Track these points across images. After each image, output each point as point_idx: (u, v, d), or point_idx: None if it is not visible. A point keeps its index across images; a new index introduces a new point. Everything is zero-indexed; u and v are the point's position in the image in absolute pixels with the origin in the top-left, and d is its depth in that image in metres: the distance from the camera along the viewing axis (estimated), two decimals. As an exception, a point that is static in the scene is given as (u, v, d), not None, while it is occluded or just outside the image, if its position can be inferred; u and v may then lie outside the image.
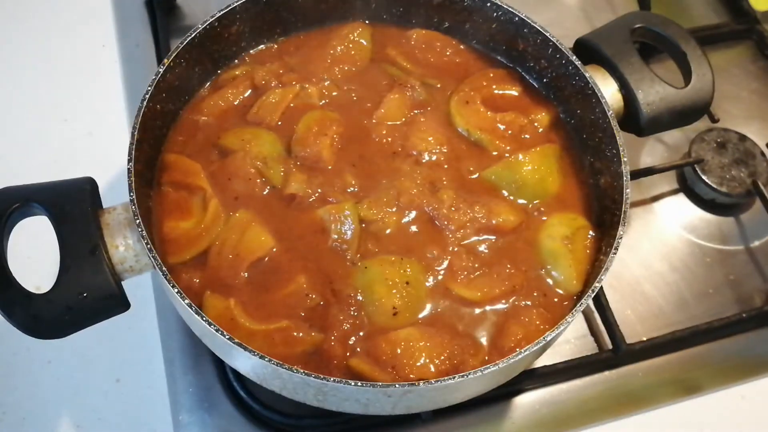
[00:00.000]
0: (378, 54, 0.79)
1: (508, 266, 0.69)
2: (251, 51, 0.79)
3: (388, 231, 0.70)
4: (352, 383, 0.54)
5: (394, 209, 0.70)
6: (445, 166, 0.74)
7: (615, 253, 0.62)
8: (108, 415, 0.67)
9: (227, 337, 0.55)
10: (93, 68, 0.86)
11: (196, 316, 0.56)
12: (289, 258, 0.67)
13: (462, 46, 0.80)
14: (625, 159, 0.67)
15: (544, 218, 0.71)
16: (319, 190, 0.70)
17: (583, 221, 0.71)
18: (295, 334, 0.62)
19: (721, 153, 0.82)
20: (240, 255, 0.66)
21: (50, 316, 0.53)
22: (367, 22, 0.79)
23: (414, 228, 0.71)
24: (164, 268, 0.58)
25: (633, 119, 0.73)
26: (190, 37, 0.69)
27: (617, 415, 0.72)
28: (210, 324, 0.56)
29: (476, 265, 0.68)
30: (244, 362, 0.59)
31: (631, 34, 0.72)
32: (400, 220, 0.70)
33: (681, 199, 0.87)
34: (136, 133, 0.63)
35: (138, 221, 0.59)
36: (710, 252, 0.82)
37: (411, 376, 0.58)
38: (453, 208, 0.70)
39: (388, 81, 0.78)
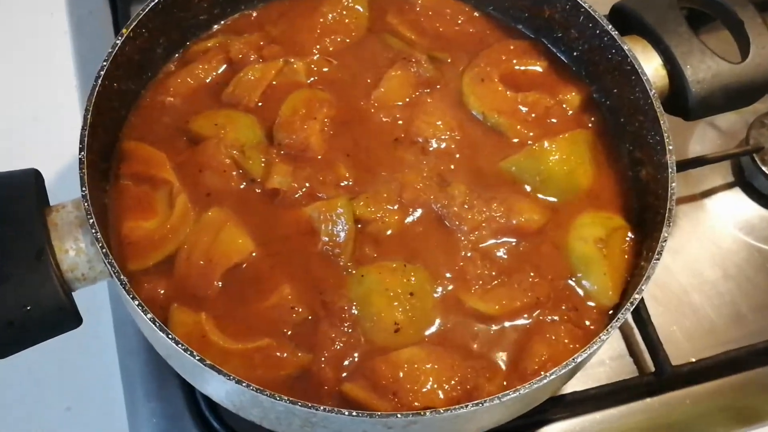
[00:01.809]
0: (377, 22, 0.79)
1: (531, 274, 0.70)
2: (226, 19, 0.80)
3: (388, 232, 0.71)
4: (346, 413, 0.54)
5: (395, 207, 0.71)
6: (457, 156, 0.75)
7: (658, 259, 0.63)
8: (57, 450, 0.66)
9: (198, 357, 0.55)
10: (39, 40, 0.85)
11: (161, 333, 0.56)
12: (272, 264, 0.68)
13: (476, 14, 0.81)
14: (671, 147, 0.68)
15: (574, 217, 0.73)
16: (307, 185, 0.71)
17: (621, 221, 0.72)
18: (278, 354, 0.63)
19: (785, 140, 0.81)
20: (213, 261, 0.67)
21: (-13, 334, 0.53)
22: (364, -16, 0.76)
23: (419, 229, 0.71)
24: (123, 277, 0.59)
25: (680, 100, 0.74)
26: (153, 2, 0.70)
27: (660, 450, 0.71)
28: (177, 343, 0.56)
29: (493, 273, 0.69)
30: (218, 387, 0.59)
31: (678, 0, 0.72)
32: (402, 220, 0.71)
33: (737, 194, 0.88)
34: (89, 116, 0.63)
35: (92, 221, 0.59)
36: (771, 256, 0.82)
37: (416, 404, 0.59)
38: (466, 206, 0.71)
39: (389, 55, 0.78)
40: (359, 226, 0.70)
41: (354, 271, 0.68)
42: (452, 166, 0.74)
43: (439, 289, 0.69)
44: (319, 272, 0.68)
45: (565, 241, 0.71)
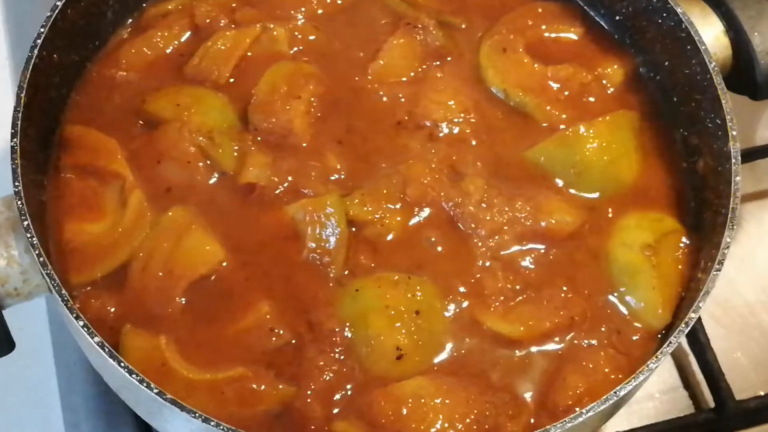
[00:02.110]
0: (375, -20, 0.77)
1: (564, 289, 0.70)
2: (190, -25, 0.76)
3: (389, 237, 0.71)
4: (338, 458, 0.55)
5: (397, 206, 0.72)
6: (473, 143, 0.75)
7: (719, 270, 0.63)
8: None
9: (156, 390, 0.55)
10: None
11: (111, 360, 0.56)
12: (246, 276, 0.68)
13: (497, -31, 0.79)
14: (734, 132, 0.68)
15: (617, 219, 0.73)
16: (290, 178, 0.72)
17: (673, 223, 0.73)
18: (254, 386, 0.63)
19: None
20: (174, 272, 0.67)
21: None
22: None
23: (427, 233, 0.72)
24: (64, 291, 0.58)
25: (746, 75, 0.74)
26: (101, -45, 0.72)
27: (721, 503, 0.74)
28: (131, 372, 0.56)
29: (517, 288, 0.70)
30: (181, 427, 0.59)
31: (744, -49, 0.73)
32: (406, 222, 0.72)
33: (814, 191, 0.88)
34: (23, 95, 0.63)
35: (26, 223, 0.59)
36: None
37: (422, 448, 0.58)
38: (484, 204, 0.72)
39: (390, 20, 0.79)
40: (353, 229, 0.71)
41: (347, 285, 0.69)
42: (467, 156, 0.75)
43: (452, 307, 0.69)
44: (305, 286, 0.69)
45: (606, 248, 0.72)
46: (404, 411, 0.61)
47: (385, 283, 0.69)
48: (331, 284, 0.70)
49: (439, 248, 0.72)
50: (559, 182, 0.76)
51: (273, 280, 0.70)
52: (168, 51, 0.77)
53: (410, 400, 0.62)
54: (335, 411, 0.63)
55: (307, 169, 0.75)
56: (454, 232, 0.73)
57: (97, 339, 0.57)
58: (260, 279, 0.69)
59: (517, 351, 0.68)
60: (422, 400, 0.61)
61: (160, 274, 0.67)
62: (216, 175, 0.76)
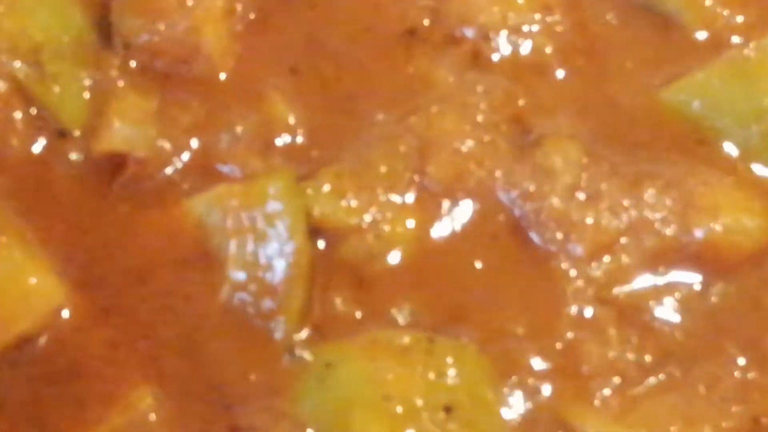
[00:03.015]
0: None
1: (739, 361, 0.73)
2: None
3: (391, 259, 0.74)
4: None
5: (408, 197, 0.74)
6: (559, 73, 0.78)
7: None
8: None
9: None
10: None
11: None
12: (109, 337, 0.72)
13: None
14: None
15: None
16: (194, 144, 0.74)
17: None
18: None
19: None
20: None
21: None
22: None
23: (469, 252, 0.74)
24: None
25: None
26: None
27: None
28: None
29: (647, 360, 0.71)
30: None
31: None
32: (425, 230, 0.74)
33: None
34: None
35: None
36: None
37: None
38: (581, 194, 0.73)
39: None
40: (321, 244, 0.72)
41: (308, 356, 0.71)
42: (547, 99, 0.77)
43: (517, 398, 0.71)
44: (224, 357, 0.72)
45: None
46: None
47: (383, 352, 0.71)
48: (277, 353, 0.72)
49: (491, 281, 0.74)
50: (731, 149, 0.78)
51: (161, 346, 0.72)
52: None
53: None
54: None
55: (228, 125, 0.75)
56: (523, 248, 0.75)
57: None
58: (136, 343, 0.72)
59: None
60: None
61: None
62: (45, 139, 0.76)
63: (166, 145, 0.74)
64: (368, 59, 0.77)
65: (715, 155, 0.79)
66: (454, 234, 0.76)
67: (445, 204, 0.76)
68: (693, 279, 0.76)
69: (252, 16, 0.78)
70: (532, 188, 0.75)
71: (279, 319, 0.72)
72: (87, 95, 0.76)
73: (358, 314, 0.73)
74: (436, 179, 0.75)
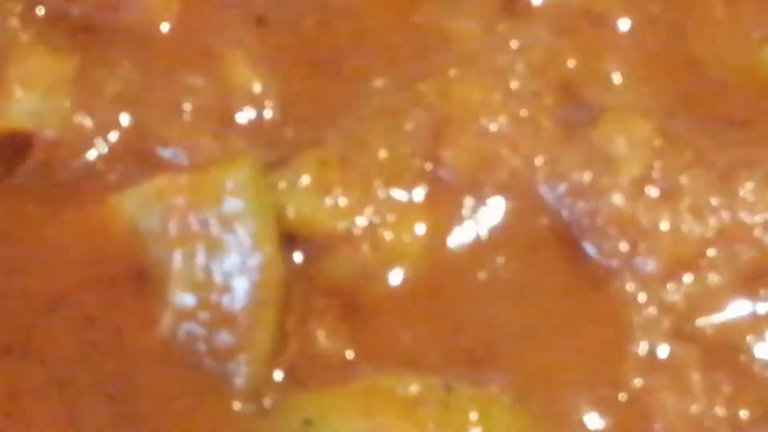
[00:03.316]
0: None
1: None
2: None
3: (393, 279, 0.66)
4: None
5: (416, 193, 0.67)
6: (620, 26, 0.72)
7: None
8: None
9: None
10: None
11: None
12: (7, 383, 0.65)
13: None
14: None
15: None
16: (127, 120, 0.69)
17: None
18: None
19: None
20: None
21: None
22: None
23: (499, 268, 0.67)
24: None
25: None
26: None
27: None
28: None
29: (743, 415, 0.65)
30: None
31: None
32: (439, 239, 0.67)
33: None
34: None
35: None
36: None
37: None
38: (652, 189, 0.66)
39: None
40: (297, 257, 0.66)
41: (280, 411, 0.64)
42: (604, 59, 0.71)
43: None
44: (164, 409, 0.65)
45: None
46: None
47: (383, 405, 0.64)
48: (237, 406, 0.64)
49: (531, 308, 0.67)
50: None
51: (80, 395, 0.64)
52: None
53: None
54: None
55: (171, 95, 0.68)
56: (573, 263, 0.67)
57: None
58: (46, 391, 0.64)
59: None
60: None
61: None
62: None
63: (87, 122, 0.67)
64: (362, 4, 0.70)
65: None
66: (478, 243, 0.69)
67: (467, 202, 0.69)
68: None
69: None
70: (586, 181, 0.68)
71: (239, 358, 0.65)
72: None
73: (349, 353, 0.66)
74: (454, 169, 0.69)
